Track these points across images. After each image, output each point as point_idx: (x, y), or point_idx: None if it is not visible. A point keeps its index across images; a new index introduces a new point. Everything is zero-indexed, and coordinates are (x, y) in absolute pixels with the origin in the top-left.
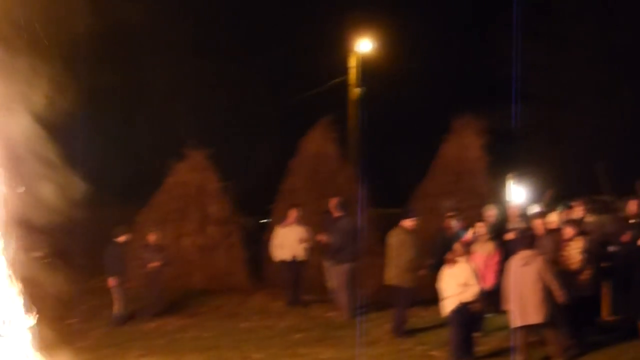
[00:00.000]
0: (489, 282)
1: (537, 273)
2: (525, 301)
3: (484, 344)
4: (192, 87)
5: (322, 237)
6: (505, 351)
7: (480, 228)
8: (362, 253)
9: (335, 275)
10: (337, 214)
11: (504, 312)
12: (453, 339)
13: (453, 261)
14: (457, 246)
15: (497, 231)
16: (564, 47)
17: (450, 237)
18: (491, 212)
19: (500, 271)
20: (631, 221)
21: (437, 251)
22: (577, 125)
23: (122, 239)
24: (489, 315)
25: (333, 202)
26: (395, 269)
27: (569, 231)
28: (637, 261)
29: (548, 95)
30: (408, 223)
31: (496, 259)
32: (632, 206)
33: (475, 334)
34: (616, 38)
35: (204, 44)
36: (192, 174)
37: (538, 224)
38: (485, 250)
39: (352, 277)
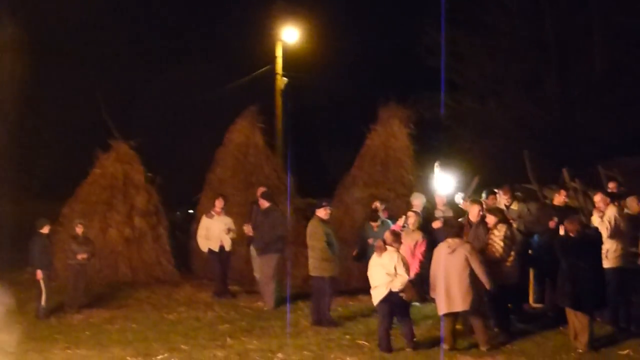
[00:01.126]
0: (414, 271)
1: (464, 261)
2: (451, 289)
3: None
4: (116, 77)
5: (249, 228)
6: (432, 339)
7: (411, 217)
8: (289, 243)
9: (262, 265)
10: (263, 203)
11: (431, 301)
12: (381, 328)
13: (382, 250)
14: (386, 235)
15: (424, 220)
16: (490, 37)
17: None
18: (418, 201)
19: (427, 260)
20: (556, 209)
21: (362, 241)
22: (503, 115)
23: (45, 230)
24: (415, 304)
25: (260, 192)
26: (311, 258)
27: (490, 219)
28: (561, 249)
29: (475, 84)
30: (321, 212)
31: (423, 247)
32: (558, 194)
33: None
34: (542, 28)
35: (127, 34)
36: (118, 166)
37: (474, 212)
38: (412, 239)
39: (279, 268)
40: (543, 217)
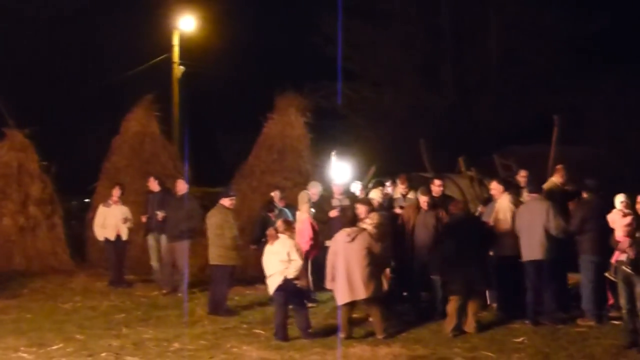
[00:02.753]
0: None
1: (364, 248)
2: (353, 277)
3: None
4: (9, 64)
5: (159, 215)
6: (328, 328)
7: (313, 195)
8: (188, 231)
9: (177, 251)
10: (182, 189)
11: (327, 289)
12: (277, 317)
13: (274, 238)
14: (278, 223)
15: (320, 209)
16: (387, 25)
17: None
18: (315, 190)
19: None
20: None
21: (258, 229)
22: (399, 103)
23: None
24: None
25: (151, 181)
26: (216, 247)
27: (361, 209)
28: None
29: (371, 73)
30: (226, 202)
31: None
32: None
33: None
34: (437, 17)
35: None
36: (12, 154)
37: (423, 201)
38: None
39: (178, 256)
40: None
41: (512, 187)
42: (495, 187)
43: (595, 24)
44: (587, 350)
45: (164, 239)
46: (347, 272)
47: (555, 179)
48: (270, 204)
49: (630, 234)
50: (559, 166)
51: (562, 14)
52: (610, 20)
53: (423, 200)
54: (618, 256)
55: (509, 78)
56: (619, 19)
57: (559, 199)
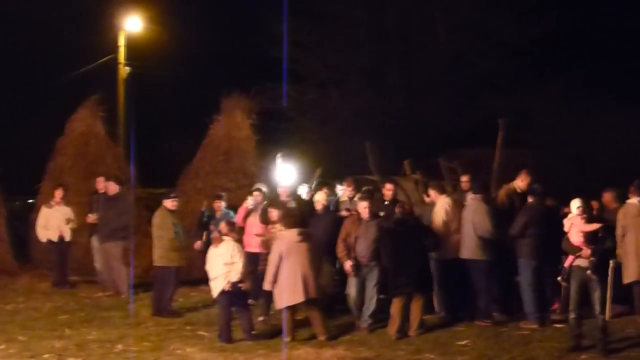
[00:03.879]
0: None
1: (311, 250)
2: (300, 278)
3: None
4: None
5: (94, 217)
6: (272, 331)
7: (258, 196)
8: (132, 232)
9: (108, 252)
10: (114, 189)
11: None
12: (221, 319)
13: (218, 240)
14: (221, 225)
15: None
16: (333, 26)
17: (217, 216)
18: (260, 192)
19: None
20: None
21: (199, 231)
22: (345, 105)
23: None
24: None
25: (99, 181)
26: (158, 249)
27: (273, 213)
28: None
29: (317, 75)
30: (169, 203)
31: None
32: (384, 189)
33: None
34: (384, 18)
35: None
36: None
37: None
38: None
39: (121, 256)
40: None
41: (455, 190)
42: (431, 193)
43: (542, 28)
44: (529, 353)
45: None
46: (297, 273)
47: (517, 184)
48: (217, 206)
49: (592, 240)
50: (523, 171)
51: (509, 18)
52: (556, 25)
53: (363, 206)
54: (572, 261)
55: (455, 81)
56: (564, 23)
57: (518, 204)
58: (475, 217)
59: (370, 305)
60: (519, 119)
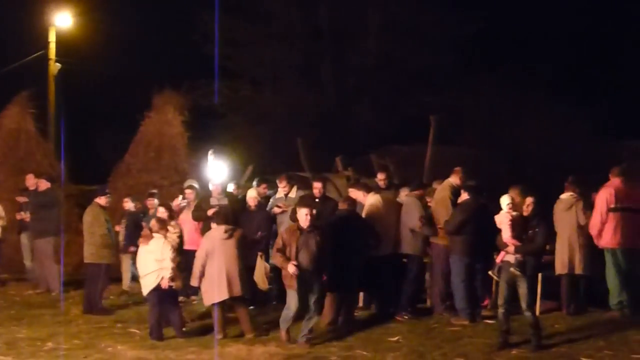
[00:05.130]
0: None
1: (239, 247)
2: (228, 275)
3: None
4: None
5: (21, 215)
6: (203, 328)
7: (190, 194)
8: (63, 229)
9: (39, 249)
10: (43, 185)
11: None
12: (152, 316)
13: (149, 237)
14: (152, 222)
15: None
16: (266, 23)
17: (150, 214)
18: (192, 189)
19: None
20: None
21: (130, 228)
22: (278, 102)
23: None
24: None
25: (29, 178)
26: (88, 245)
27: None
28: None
29: (250, 72)
30: (101, 200)
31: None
32: (315, 185)
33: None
34: (317, 16)
35: None
36: None
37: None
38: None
39: (52, 253)
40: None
41: (391, 186)
42: (356, 194)
43: (474, 25)
44: (460, 349)
45: None
46: (222, 270)
47: (453, 180)
48: (149, 203)
49: (518, 237)
50: (457, 168)
51: (441, 15)
52: (488, 22)
53: (304, 213)
54: (504, 256)
55: (388, 78)
56: (496, 20)
57: (453, 201)
58: (409, 214)
59: (311, 321)
60: (451, 115)
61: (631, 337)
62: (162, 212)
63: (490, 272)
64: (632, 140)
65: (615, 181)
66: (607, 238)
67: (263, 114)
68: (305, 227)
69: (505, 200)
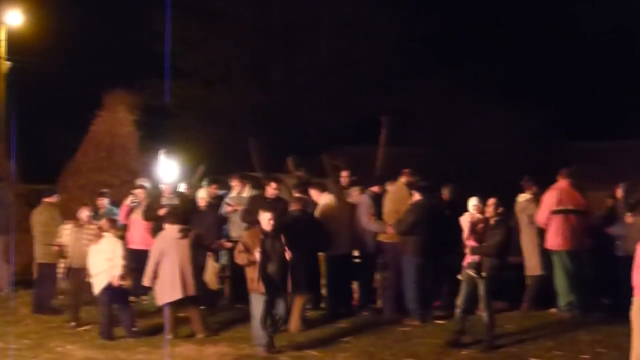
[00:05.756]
0: None
1: (192, 247)
2: (182, 275)
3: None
4: None
5: None
6: (153, 328)
7: (141, 193)
8: (12, 228)
9: None
10: None
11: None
12: (102, 316)
13: (99, 236)
14: (102, 222)
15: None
16: (217, 23)
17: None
18: (143, 188)
19: None
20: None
21: None
22: (229, 102)
23: None
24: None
25: None
26: (42, 245)
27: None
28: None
29: (202, 71)
30: (52, 199)
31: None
32: (269, 186)
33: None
34: (268, 15)
35: None
36: None
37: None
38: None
39: (2, 252)
40: (254, 207)
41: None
42: (313, 193)
43: (426, 27)
44: (411, 349)
45: None
46: (176, 270)
47: (404, 181)
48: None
49: (477, 238)
50: (406, 170)
51: (394, 16)
52: (440, 23)
53: (267, 218)
54: (468, 259)
55: (340, 78)
56: (448, 22)
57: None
58: (364, 212)
59: (276, 329)
60: (402, 116)
61: (580, 337)
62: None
63: (458, 276)
64: (582, 142)
65: (562, 183)
66: (553, 240)
67: (214, 113)
68: (268, 231)
69: (471, 202)
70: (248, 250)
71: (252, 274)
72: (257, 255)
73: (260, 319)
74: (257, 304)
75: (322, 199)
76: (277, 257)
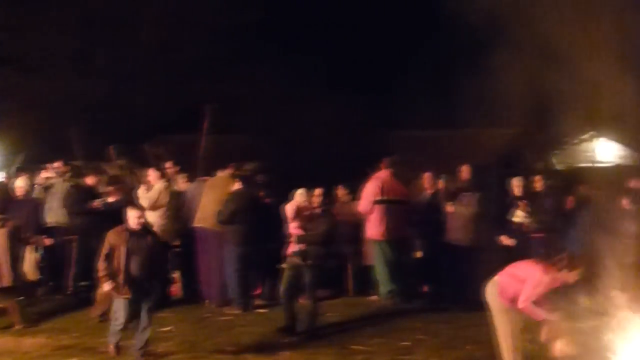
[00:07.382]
0: None
1: (9, 237)
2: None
3: None
4: None
5: None
6: None
7: None
8: None
9: None
10: None
11: None
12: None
13: None
14: None
15: None
16: (39, 9)
17: None
18: None
19: None
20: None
21: None
22: (51, 89)
23: None
24: None
25: None
26: None
27: None
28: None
29: (22, 58)
30: None
31: None
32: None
33: None
34: (90, 2)
35: None
36: None
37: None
38: None
39: None
40: (78, 197)
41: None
42: (152, 174)
43: (251, 15)
44: (233, 338)
45: None
46: None
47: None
48: None
49: (302, 227)
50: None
51: (219, 4)
52: (265, 11)
53: (134, 215)
54: (293, 248)
55: (164, 66)
56: (275, 10)
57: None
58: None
59: (145, 333)
60: (228, 104)
61: (401, 324)
62: None
63: (283, 265)
64: (404, 130)
65: (383, 173)
66: (373, 230)
67: (35, 101)
68: (135, 228)
69: (298, 191)
70: (113, 249)
71: (116, 279)
72: (108, 287)
73: (120, 326)
74: (119, 308)
75: (158, 185)
76: (143, 257)
